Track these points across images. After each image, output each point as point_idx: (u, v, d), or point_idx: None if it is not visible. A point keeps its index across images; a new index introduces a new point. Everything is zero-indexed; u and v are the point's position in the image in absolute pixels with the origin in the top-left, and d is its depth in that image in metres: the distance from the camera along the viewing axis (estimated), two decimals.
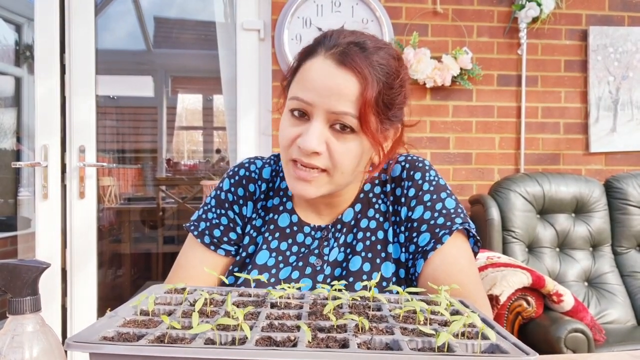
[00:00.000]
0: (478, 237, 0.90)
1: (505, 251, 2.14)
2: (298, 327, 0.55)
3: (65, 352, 0.54)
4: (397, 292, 0.68)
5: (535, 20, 2.48)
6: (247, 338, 0.50)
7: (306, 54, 0.85)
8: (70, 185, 2.37)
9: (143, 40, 4.95)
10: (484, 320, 0.59)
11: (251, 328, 0.53)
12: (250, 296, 0.70)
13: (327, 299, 0.68)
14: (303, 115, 0.82)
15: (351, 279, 0.87)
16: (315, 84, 0.80)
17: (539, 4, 2.41)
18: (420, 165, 0.93)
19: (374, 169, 0.91)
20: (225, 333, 0.52)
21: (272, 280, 0.89)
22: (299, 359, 0.47)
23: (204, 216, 0.97)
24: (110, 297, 3.63)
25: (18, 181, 3.32)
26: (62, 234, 2.36)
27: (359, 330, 0.54)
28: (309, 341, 0.50)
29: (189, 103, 6.77)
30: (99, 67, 2.40)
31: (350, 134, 0.81)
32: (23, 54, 3.35)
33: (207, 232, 0.95)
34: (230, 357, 0.47)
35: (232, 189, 0.97)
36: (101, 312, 2.42)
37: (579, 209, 2.26)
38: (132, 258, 4.09)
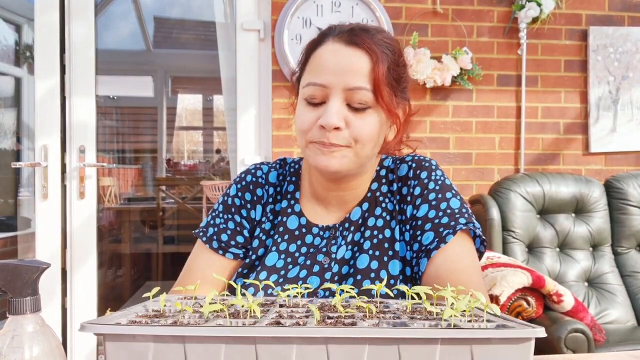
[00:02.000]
0: (484, 237, 0.90)
1: (505, 251, 2.14)
2: (307, 317, 0.55)
3: (65, 351, 0.54)
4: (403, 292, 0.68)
5: (535, 20, 2.48)
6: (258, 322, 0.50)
7: (314, 45, 0.89)
8: (70, 185, 2.37)
9: (143, 41, 4.95)
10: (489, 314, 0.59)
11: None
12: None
13: (334, 295, 0.69)
14: (317, 102, 0.85)
15: (359, 277, 0.88)
16: (329, 65, 0.84)
17: (539, 4, 2.41)
18: (427, 164, 0.94)
19: (389, 145, 0.94)
20: (235, 320, 0.52)
21: (281, 280, 0.90)
22: (309, 335, 0.47)
23: (212, 222, 0.98)
24: (110, 297, 3.64)
25: (18, 181, 3.32)
26: (62, 234, 2.36)
27: (366, 317, 0.55)
28: (317, 321, 0.50)
29: (188, 103, 6.77)
30: (99, 67, 2.40)
31: (367, 109, 0.85)
32: (23, 54, 3.35)
33: (215, 237, 0.95)
34: (245, 335, 0.48)
35: (239, 193, 0.98)
36: (101, 312, 2.42)
37: (579, 209, 2.26)
38: (132, 258, 4.09)
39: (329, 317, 0.55)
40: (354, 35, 0.85)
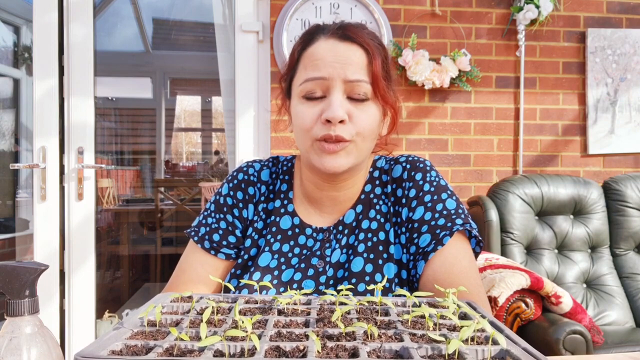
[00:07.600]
0: (480, 238, 0.90)
1: (503, 253, 2.14)
2: (306, 336, 0.54)
3: (63, 352, 0.54)
4: (405, 297, 0.67)
5: (533, 22, 2.48)
6: (256, 349, 0.49)
7: (304, 44, 0.89)
8: (69, 186, 2.36)
9: (142, 42, 4.95)
10: (493, 324, 0.58)
11: (259, 337, 0.53)
12: (257, 302, 0.70)
13: (334, 304, 0.67)
14: (317, 97, 0.86)
15: (354, 280, 0.87)
16: (327, 59, 0.85)
17: (537, 6, 2.41)
18: (421, 165, 0.93)
19: (382, 140, 0.96)
20: (234, 343, 0.51)
21: (275, 282, 0.89)
22: None
23: (203, 221, 0.97)
24: (109, 299, 3.63)
25: (16, 183, 3.32)
26: (60, 236, 2.36)
27: (367, 337, 0.54)
28: (318, 351, 0.49)
29: (187, 105, 6.77)
30: (97, 68, 2.40)
31: (366, 101, 0.86)
32: (22, 56, 3.35)
33: (206, 237, 0.95)
34: None
35: (231, 192, 0.97)
36: (99, 314, 2.42)
37: (578, 210, 2.26)
38: (131, 260, 4.08)
39: (329, 337, 0.55)
40: (346, 31, 0.86)
